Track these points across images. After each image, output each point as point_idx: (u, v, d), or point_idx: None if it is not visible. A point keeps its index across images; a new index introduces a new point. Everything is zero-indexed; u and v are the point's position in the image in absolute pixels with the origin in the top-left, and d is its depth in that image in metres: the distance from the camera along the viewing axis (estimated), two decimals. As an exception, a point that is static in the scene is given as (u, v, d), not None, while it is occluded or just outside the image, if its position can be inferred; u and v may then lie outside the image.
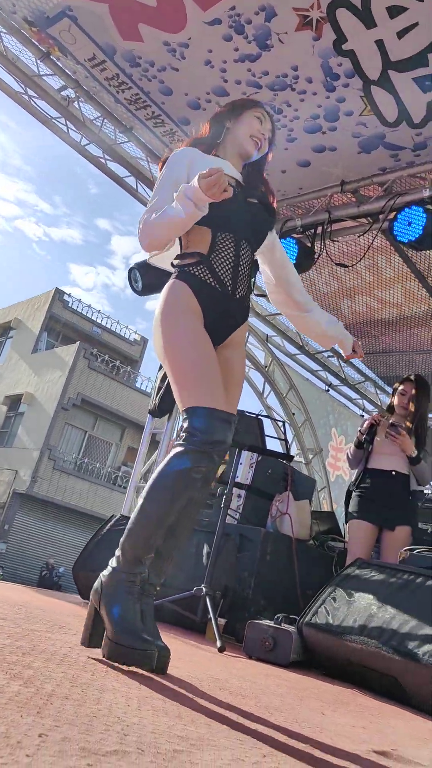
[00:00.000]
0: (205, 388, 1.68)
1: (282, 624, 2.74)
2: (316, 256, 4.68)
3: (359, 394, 8.71)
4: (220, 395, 1.69)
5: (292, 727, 1.38)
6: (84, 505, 18.41)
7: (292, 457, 3.59)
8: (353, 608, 2.68)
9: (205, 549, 3.47)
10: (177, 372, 1.73)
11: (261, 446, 3.40)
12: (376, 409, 9.08)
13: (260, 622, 2.75)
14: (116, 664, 1.49)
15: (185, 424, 1.65)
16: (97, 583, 1.63)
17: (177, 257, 1.91)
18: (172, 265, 1.91)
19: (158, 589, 1.76)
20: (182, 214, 1.69)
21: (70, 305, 21.46)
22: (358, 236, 4.54)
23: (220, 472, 5.07)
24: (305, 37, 3.29)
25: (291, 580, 3.60)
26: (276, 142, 2.14)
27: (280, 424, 4.02)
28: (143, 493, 1.64)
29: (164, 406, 4.75)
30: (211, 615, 2.82)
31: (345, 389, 8.58)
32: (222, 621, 3.05)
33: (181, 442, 1.64)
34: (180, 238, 1.92)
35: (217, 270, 1.84)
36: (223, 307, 1.85)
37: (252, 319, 6.96)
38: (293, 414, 7.55)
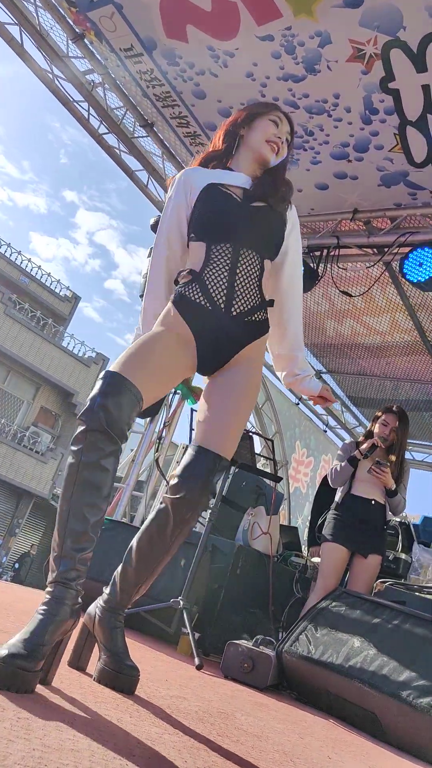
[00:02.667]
0: (129, 360, 1.53)
1: (260, 647, 2.76)
2: (318, 279, 4.72)
3: (326, 410, 8.86)
4: (141, 372, 1.51)
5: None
6: (-19, 463, 16.57)
7: (281, 478, 3.63)
8: (335, 641, 2.73)
9: (182, 561, 3.45)
10: None
11: (253, 465, 3.43)
12: (338, 426, 9.29)
13: (239, 642, 2.77)
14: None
15: None
16: (93, 609, 1.67)
17: (176, 278, 1.79)
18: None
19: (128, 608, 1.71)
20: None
21: (-5, 248, 19.28)
22: (368, 267, 4.60)
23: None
24: (354, 69, 3.30)
25: (258, 596, 3.65)
26: (293, 152, 2.06)
27: (269, 443, 4.07)
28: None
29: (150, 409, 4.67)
30: (189, 629, 2.83)
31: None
32: (197, 635, 3.06)
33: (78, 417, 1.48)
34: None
35: (208, 286, 1.68)
36: (215, 328, 1.68)
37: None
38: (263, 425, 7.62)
